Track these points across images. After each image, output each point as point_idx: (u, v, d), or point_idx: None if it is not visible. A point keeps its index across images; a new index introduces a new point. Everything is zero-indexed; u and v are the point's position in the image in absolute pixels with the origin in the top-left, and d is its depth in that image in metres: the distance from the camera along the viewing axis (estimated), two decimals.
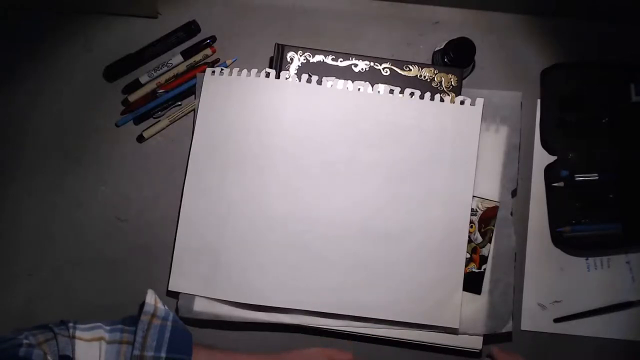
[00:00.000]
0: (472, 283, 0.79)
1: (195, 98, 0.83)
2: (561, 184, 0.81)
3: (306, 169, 0.79)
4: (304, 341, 0.79)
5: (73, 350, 0.61)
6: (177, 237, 0.79)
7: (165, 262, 0.80)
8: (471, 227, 0.79)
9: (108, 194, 0.83)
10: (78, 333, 0.62)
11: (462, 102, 0.80)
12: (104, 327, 0.64)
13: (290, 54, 0.81)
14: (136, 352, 0.63)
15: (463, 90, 0.81)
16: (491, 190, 0.80)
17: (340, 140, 0.79)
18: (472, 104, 0.80)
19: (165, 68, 0.84)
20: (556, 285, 0.81)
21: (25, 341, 0.60)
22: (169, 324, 0.66)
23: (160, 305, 0.68)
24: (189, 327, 0.78)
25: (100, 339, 0.63)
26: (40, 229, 0.82)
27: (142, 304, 0.67)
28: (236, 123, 0.80)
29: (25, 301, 0.80)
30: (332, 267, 0.78)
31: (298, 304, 0.77)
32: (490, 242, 0.80)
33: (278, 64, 0.81)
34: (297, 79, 0.80)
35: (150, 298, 0.68)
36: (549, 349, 0.81)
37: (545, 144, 0.83)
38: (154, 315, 0.66)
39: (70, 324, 0.63)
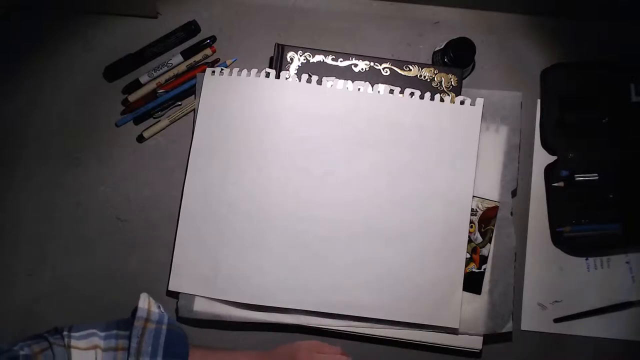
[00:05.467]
0: (472, 283, 0.79)
1: (195, 98, 0.83)
2: (561, 184, 0.81)
3: (306, 168, 0.79)
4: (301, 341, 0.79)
5: (69, 359, 0.61)
6: (177, 237, 0.79)
7: (165, 262, 0.80)
8: (471, 227, 0.79)
9: (108, 194, 0.83)
10: (73, 342, 0.62)
11: (462, 102, 0.80)
12: (98, 334, 0.63)
13: (290, 54, 0.81)
14: (132, 359, 0.62)
15: (463, 90, 0.81)
16: (491, 190, 0.80)
17: (340, 140, 0.79)
18: (472, 104, 0.80)
19: (165, 68, 0.84)
20: (556, 285, 0.81)
21: (21, 352, 0.59)
22: (164, 327, 0.65)
23: (154, 308, 0.67)
24: (189, 327, 0.78)
25: (95, 347, 0.62)
26: (41, 229, 0.82)
27: (135, 308, 0.67)
28: (236, 123, 0.80)
29: (25, 301, 0.81)
30: (332, 267, 0.78)
31: (298, 304, 0.77)
32: (490, 242, 0.80)
33: (278, 64, 0.81)
34: (297, 79, 0.80)
35: (143, 302, 0.67)
36: (549, 349, 0.81)
37: (545, 144, 0.83)
38: (147, 319, 0.65)
39: (65, 332, 0.63)
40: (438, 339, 0.78)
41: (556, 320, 0.81)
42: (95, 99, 0.84)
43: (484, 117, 0.80)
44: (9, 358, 0.58)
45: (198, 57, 0.84)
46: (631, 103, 0.82)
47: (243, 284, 0.77)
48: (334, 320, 0.78)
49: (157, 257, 0.81)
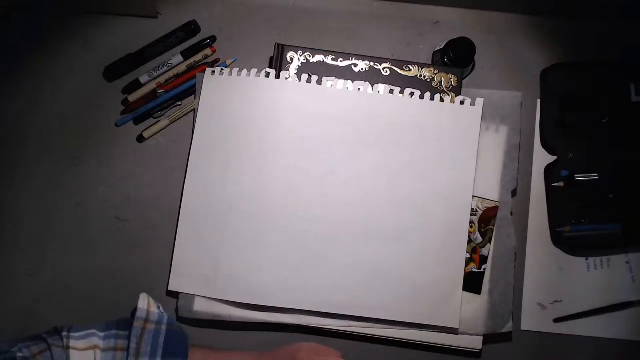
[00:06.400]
0: (472, 283, 0.79)
1: (195, 98, 0.83)
2: (561, 184, 0.81)
3: (306, 168, 0.79)
4: (304, 341, 0.78)
5: None
6: (177, 237, 0.79)
7: (165, 262, 0.80)
8: (471, 227, 0.79)
9: (108, 194, 0.83)
10: (72, 342, 0.62)
11: (462, 102, 0.80)
12: (97, 334, 0.63)
13: (290, 54, 0.81)
14: (131, 359, 0.62)
15: (463, 90, 0.81)
16: (491, 190, 0.80)
17: (340, 140, 0.79)
18: (472, 104, 0.80)
19: (165, 68, 0.84)
20: (556, 285, 0.81)
21: (19, 354, 0.59)
22: (164, 327, 0.65)
23: (153, 309, 0.66)
24: (189, 327, 0.78)
25: (94, 347, 0.62)
26: (41, 229, 0.82)
27: (135, 309, 0.66)
28: (236, 123, 0.80)
29: (25, 301, 0.80)
30: (332, 267, 0.78)
31: (298, 304, 0.77)
32: (490, 242, 0.80)
33: (278, 64, 0.81)
34: (297, 79, 0.80)
35: (143, 303, 0.67)
36: (549, 349, 0.81)
37: (545, 144, 0.83)
38: (147, 320, 0.65)
39: (64, 333, 0.63)
40: (438, 339, 0.78)
41: (556, 320, 0.81)
42: (95, 99, 0.84)
43: (484, 117, 0.80)
44: (7, 359, 0.58)
45: (198, 57, 0.84)
46: (631, 103, 0.82)
47: (243, 284, 0.77)
48: (334, 320, 0.78)
49: (157, 257, 0.81)
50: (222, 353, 0.71)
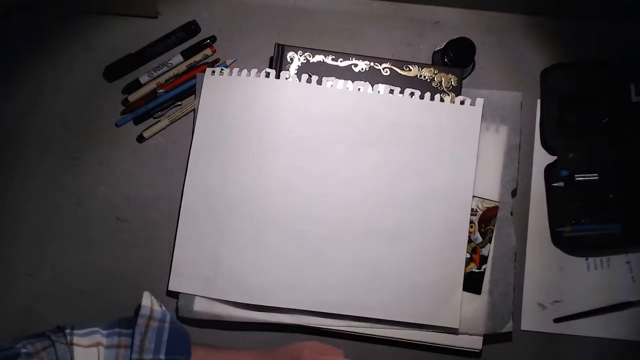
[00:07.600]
0: (472, 283, 0.79)
1: (195, 98, 0.83)
2: (561, 184, 0.81)
3: (306, 168, 0.79)
4: (304, 341, 0.78)
5: (72, 357, 0.61)
6: (177, 237, 0.79)
7: (165, 262, 0.80)
8: (471, 227, 0.79)
9: (108, 194, 0.83)
10: (75, 339, 0.62)
11: (462, 102, 0.80)
12: (101, 332, 0.64)
13: (290, 54, 0.81)
14: (135, 356, 0.62)
15: (463, 90, 0.81)
16: (491, 190, 0.80)
17: (340, 140, 0.79)
18: (472, 104, 0.80)
19: (165, 68, 0.84)
20: (556, 285, 0.81)
21: (23, 350, 0.59)
22: (167, 325, 0.66)
23: (156, 307, 0.67)
24: (189, 327, 0.78)
25: (98, 344, 0.62)
26: (41, 229, 0.82)
27: (138, 307, 0.67)
28: (236, 123, 0.80)
29: (25, 301, 0.80)
30: (332, 267, 0.78)
31: (298, 304, 0.77)
32: (490, 242, 0.80)
33: (278, 64, 0.81)
34: (297, 79, 0.80)
35: (146, 300, 0.67)
36: (549, 349, 0.81)
37: (545, 144, 0.83)
38: (150, 317, 0.65)
39: (67, 330, 0.63)
40: (438, 339, 0.78)
41: (556, 320, 0.81)
42: (95, 99, 0.84)
43: (484, 117, 0.80)
44: (9, 356, 0.58)
45: (198, 57, 0.84)
46: (631, 103, 0.82)
47: (243, 284, 0.77)
48: (334, 320, 0.78)
49: (157, 257, 0.81)
50: (224, 352, 0.71)
